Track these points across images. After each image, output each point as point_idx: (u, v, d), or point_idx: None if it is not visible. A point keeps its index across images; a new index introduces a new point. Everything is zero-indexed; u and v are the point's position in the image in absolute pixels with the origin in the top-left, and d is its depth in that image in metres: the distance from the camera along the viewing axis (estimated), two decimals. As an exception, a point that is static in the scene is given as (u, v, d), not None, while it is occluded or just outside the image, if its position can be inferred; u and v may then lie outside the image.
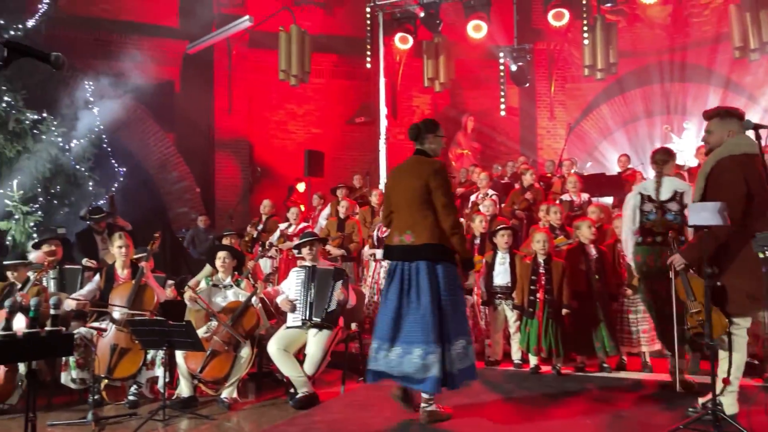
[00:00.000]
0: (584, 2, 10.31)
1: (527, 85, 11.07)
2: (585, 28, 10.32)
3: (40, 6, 9.43)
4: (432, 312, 3.62)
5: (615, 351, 5.12)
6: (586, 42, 10.29)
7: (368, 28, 10.88)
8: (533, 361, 5.21)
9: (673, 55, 11.67)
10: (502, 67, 11.02)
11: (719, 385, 3.44)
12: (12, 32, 8.76)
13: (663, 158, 4.44)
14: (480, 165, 10.26)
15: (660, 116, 12.11)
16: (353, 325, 5.61)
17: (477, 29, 10.30)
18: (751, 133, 3.41)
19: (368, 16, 10.92)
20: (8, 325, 2.77)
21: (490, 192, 7.58)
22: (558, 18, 10.40)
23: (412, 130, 3.94)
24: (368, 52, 10.89)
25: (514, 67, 10.49)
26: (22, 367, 4.74)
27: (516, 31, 10.79)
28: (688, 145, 10.63)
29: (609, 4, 10.29)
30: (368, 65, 11.02)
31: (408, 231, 3.74)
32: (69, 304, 5.11)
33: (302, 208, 8.11)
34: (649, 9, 11.62)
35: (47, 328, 2.89)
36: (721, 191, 3.46)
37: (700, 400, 3.76)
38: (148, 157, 11.50)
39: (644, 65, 12.09)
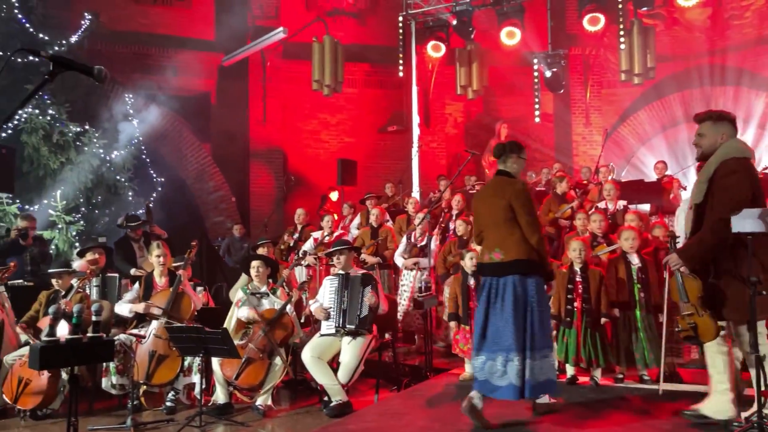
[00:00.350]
0: (620, 6, 10.14)
1: (562, 91, 10.93)
2: (621, 33, 10.15)
3: (82, 22, 9.77)
4: (515, 322, 3.76)
5: (656, 362, 4.97)
6: (622, 46, 10.12)
7: (400, 37, 10.92)
8: (570, 371, 5.10)
9: (713, 58, 11.36)
10: (536, 74, 10.90)
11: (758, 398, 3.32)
12: (56, 47, 9.08)
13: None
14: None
15: (701, 121, 11.77)
16: (386, 334, 5.60)
17: (510, 36, 10.23)
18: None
19: (400, 24, 10.96)
20: (52, 332, 2.85)
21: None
22: (593, 23, 10.25)
23: (498, 148, 4.13)
24: (400, 61, 10.92)
25: (548, 73, 10.37)
26: (64, 374, 4.86)
27: (550, 36, 10.67)
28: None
29: (646, 8, 10.10)
30: (400, 74, 11.04)
31: (497, 249, 3.93)
32: (129, 309, 5.22)
33: (335, 216, 8.14)
34: (688, 12, 11.36)
35: (89, 334, 2.97)
36: (726, 193, 3.43)
37: (743, 414, 3.62)
38: (185, 167, 11.74)
39: (683, 69, 11.81)
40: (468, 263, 5.34)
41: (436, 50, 10.84)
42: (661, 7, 11.20)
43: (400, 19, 10.98)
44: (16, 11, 9.03)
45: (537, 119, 11.41)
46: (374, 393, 5.21)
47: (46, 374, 4.76)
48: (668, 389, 4.65)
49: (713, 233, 3.44)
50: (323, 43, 10.70)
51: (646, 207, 7.69)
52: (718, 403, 3.62)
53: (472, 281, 5.29)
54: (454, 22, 10.45)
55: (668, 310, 4.43)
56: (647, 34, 10.14)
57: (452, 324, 5.35)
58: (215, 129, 12.00)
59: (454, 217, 7.15)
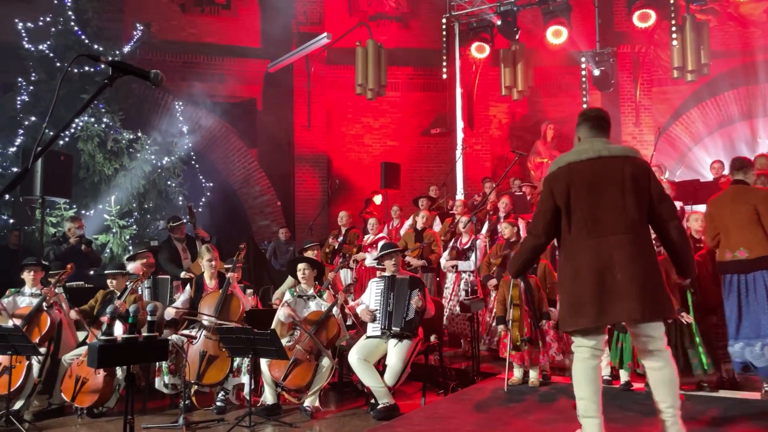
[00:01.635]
0: (672, 2, 9.82)
1: (611, 89, 10.64)
2: (673, 29, 9.82)
3: (134, 33, 10.11)
4: (765, 311, 4.40)
5: (714, 368, 4.76)
6: (675, 43, 9.79)
7: (444, 39, 10.86)
8: (624, 377, 4.95)
9: (769, 54, 10.90)
10: (583, 72, 10.66)
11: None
12: (110, 57, 9.41)
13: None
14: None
15: (758, 119, 11.31)
16: (432, 337, 5.56)
17: (557, 35, 10.03)
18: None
19: (444, 26, 10.90)
20: (109, 331, 2.95)
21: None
22: (644, 19, 9.96)
23: (739, 161, 4.86)
24: (444, 63, 10.86)
25: (596, 72, 10.12)
26: (119, 373, 5.01)
27: (598, 34, 10.41)
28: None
29: (699, 3, 9.75)
30: (444, 76, 10.98)
31: (741, 248, 4.52)
32: (168, 313, 5.37)
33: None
34: (742, 6, 10.92)
35: (144, 334, 3.04)
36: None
37: None
38: (233, 172, 11.97)
39: (738, 66, 11.36)
40: (516, 265, 5.24)
41: (480, 51, 10.73)
42: (715, 1, 10.80)
43: (444, 20, 10.92)
44: (72, 23, 9.43)
45: (585, 119, 11.13)
46: (421, 396, 5.17)
47: (102, 373, 4.91)
48: (726, 396, 4.45)
49: (524, 241, 3.62)
50: (366, 47, 10.74)
51: (701, 208, 7.41)
52: None
53: (522, 285, 5.19)
54: (499, 23, 10.33)
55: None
56: (701, 29, 9.79)
57: (500, 327, 5.26)
58: (261, 134, 12.21)
59: (501, 220, 7.05)
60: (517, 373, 5.25)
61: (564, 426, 3.91)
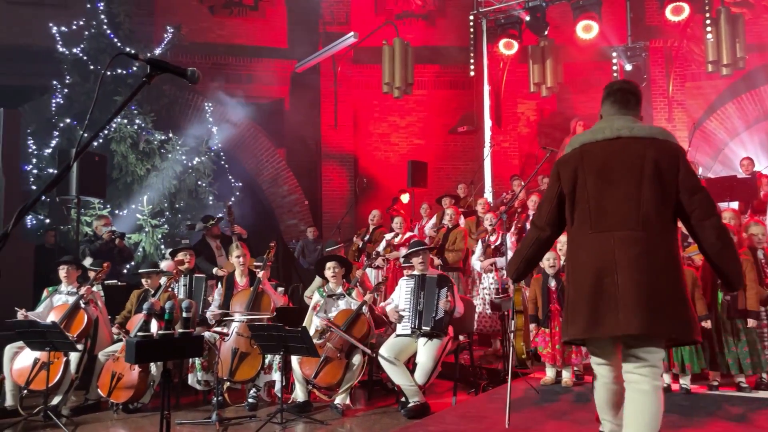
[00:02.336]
0: (706, -6, 9.60)
1: (643, 84, 10.43)
2: (707, 22, 9.59)
3: (165, 35, 10.27)
4: None
5: (753, 369, 4.64)
6: (709, 36, 9.55)
7: (471, 36, 10.78)
8: (665, 378, 4.84)
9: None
10: (615, 68, 10.47)
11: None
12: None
13: None
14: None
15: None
16: (461, 336, 5.52)
17: (587, 30, 9.87)
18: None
19: (471, 23, 10.82)
20: (146, 327, 2.99)
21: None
22: (677, 12, 9.74)
23: None
24: (471, 60, 10.78)
25: (628, 67, 9.93)
26: (153, 369, 5.08)
27: (629, 29, 10.22)
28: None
29: (734, -5, 9.51)
30: (472, 73, 10.90)
31: None
32: (208, 318, 5.43)
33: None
34: (779, -3, 10.61)
35: (179, 330, 3.08)
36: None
37: None
38: (261, 172, 12.07)
39: (775, 59, 11.04)
40: (547, 264, 5.18)
41: (508, 48, 10.62)
42: (750, -7, 10.52)
43: (471, 17, 10.84)
44: (105, 27, 9.62)
45: (616, 115, 10.94)
46: (452, 395, 5.13)
47: (137, 369, 4.99)
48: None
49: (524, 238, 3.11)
50: (393, 45, 10.73)
51: (734, 205, 7.23)
52: None
53: (553, 283, 5.12)
54: (527, 18, 10.21)
55: None
56: (736, 22, 9.53)
57: (532, 326, 5.20)
58: (288, 134, 12.29)
59: (531, 218, 6.96)
60: (550, 373, 5.19)
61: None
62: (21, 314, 5.05)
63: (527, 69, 10.80)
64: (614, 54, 10.38)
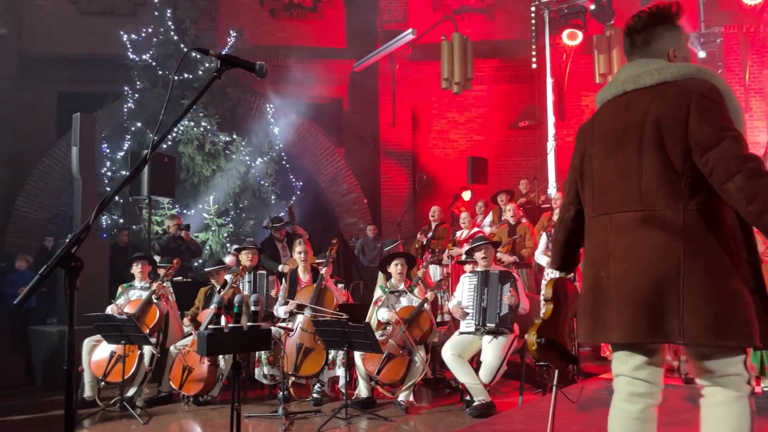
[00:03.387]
0: (786, -26, 9.01)
1: (718, 72, 9.89)
2: (788, 3, 9.01)
3: (228, 39, 10.55)
4: None
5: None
6: (790, 18, 8.97)
7: (533, 28, 10.53)
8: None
9: None
10: (686, 56, 9.98)
11: None
12: (207, 64, 9.87)
13: None
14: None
15: None
16: (527, 335, 5.37)
17: (655, 17, 9.44)
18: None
19: (533, 15, 10.57)
20: (217, 320, 3.07)
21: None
22: (754, -5, 9.20)
23: None
24: (533, 53, 10.53)
25: (702, 54, 9.44)
26: (222, 363, 5.21)
27: (702, 14, 9.71)
28: None
29: (818, -27, 8.88)
30: (534, 65, 10.65)
31: None
32: (284, 311, 5.52)
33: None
34: None
35: (248, 323, 3.12)
36: None
37: None
38: (321, 171, 12.22)
39: None
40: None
41: (572, 38, 10.31)
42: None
43: (533, 9, 10.59)
44: (172, 33, 9.97)
45: (689, 105, 10.41)
46: (518, 395, 5.01)
47: (206, 363, 5.13)
48: None
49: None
50: (452, 41, 10.61)
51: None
52: None
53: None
54: (592, 7, 9.87)
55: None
56: (821, 1, 8.90)
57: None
58: (347, 133, 12.39)
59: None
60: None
61: (676, 429, 3.64)
62: (113, 309, 5.30)
63: (592, 60, 10.45)
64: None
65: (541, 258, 6.62)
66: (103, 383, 5.23)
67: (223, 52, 7.92)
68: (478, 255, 5.20)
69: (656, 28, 2.11)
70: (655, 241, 1.95)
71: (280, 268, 6.68)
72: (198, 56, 9.95)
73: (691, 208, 1.93)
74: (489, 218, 8.37)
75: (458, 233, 7.43)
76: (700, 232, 1.92)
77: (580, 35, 10.24)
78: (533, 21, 10.58)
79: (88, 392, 5.22)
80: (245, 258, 5.92)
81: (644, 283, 1.94)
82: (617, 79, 2.14)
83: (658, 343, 2.01)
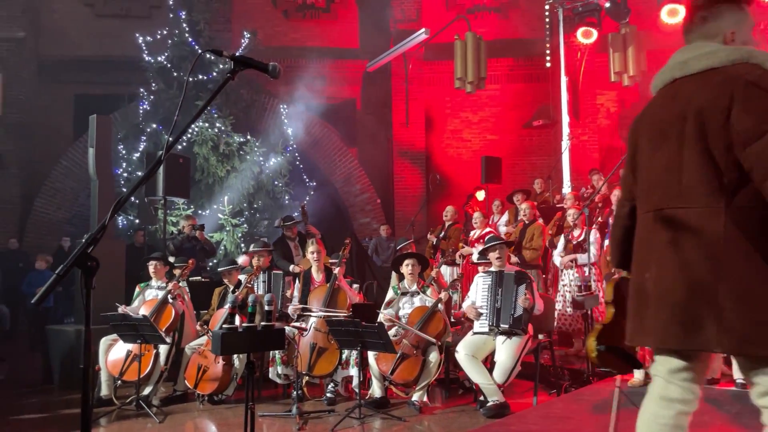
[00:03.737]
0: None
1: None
2: (808, -2, 8.86)
3: (242, 41, 10.60)
4: None
5: None
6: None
7: (547, 27, 10.46)
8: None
9: None
10: (703, 53, 9.84)
11: None
12: (221, 65, 9.94)
13: None
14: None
15: None
16: (541, 335, 5.34)
17: (672, 14, 9.34)
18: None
19: (547, 13, 10.50)
20: (231, 319, 3.09)
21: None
22: (771, -10, 9.06)
23: None
24: (547, 51, 10.46)
25: (717, 51, 9.29)
26: (236, 363, 5.24)
27: (719, 10, 9.58)
28: None
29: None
30: (548, 64, 10.58)
31: None
32: (290, 311, 5.55)
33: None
34: None
35: (262, 323, 3.13)
36: None
37: None
38: (334, 171, 12.24)
39: None
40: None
41: (587, 36, 10.23)
42: None
43: (547, 7, 10.53)
44: (186, 35, 10.05)
45: (705, 103, 10.27)
46: (532, 395, 4.98)
47: (221, 363, 5.16)
48: None
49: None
50: (465, 40, 10.58)
51: None
52: None
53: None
54: (607, 5, 9.78)
55: None
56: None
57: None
58: (361, 134, 12.39)
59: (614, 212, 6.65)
60: (638, 374, 4.92)
61: (694, 431, 3.60)
62: (121, 309, 5.35)
63: (607, 58, 10.36)
64: (703, 38, 9.76)
65: (557, 259, 6.58)
66: (119, 382, 5.28)
67: (237, 54, 8.00)
68: (493, 255, 5.17)
69: (718, 6, 1.98)
70: (693, 243, 1.82)
71: (291, 268, 6.70)
72: (212, 58, 10.02)
73: (734, 206, 1.79)
74: (505, 218, 8.33)
75: (471, 233, 7.40)
76: (741, 234, 1.78)
77: (594, 33, 10.17)
78: (547, 19, 10.52)
79: (104, 391, 5.28)
80: (255, 261, 5.96)
81: (679, 287, 1.82)
82: (668, 65, 2.02)
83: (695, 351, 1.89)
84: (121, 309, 5.35)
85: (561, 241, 6.56)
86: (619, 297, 2.15)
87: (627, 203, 2.17)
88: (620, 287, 2.17)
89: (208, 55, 10.13)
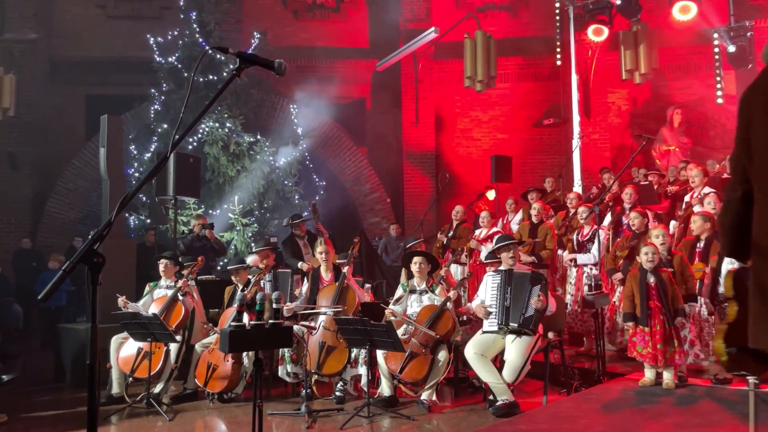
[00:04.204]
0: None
1: (750, 66, 9.61)
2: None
3: (252, 41, 10.64)
4: None
5: None
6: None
7: (557, 25, 10.40)
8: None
9: None
10: (716, 50, 9.74)
11: None
12: (231, 65, 9.97)
13: None
14: (691, 162, 9.15)
15: None
16: (550, 334, 5.30)
17: (684, 11, 9.24)
18: None
19: (557, 11, 10.44)
20: (239, 318, 3.10)
21: (708, 189, 6.63)
22: (785, -14, 8.94)
23: None
24: (558, 50, 10.40)
25: (732, 48, 9.19)
26: (246, 361, 5.25)
27: (732, 8, 9.48)
28: None
29: None
30: (558, 62, 10.52)
31: None
32: (288, 310, 5.55)
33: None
34: None
35: (270, 321, 3.14)
36: None
37: None
38: (344, 170, 12.25)
39: None
40: (645, 258, 4.88)
41: (597, 34, 10.15)
42: None
43: (557, 5, 10.47)
44: (197, 35, 10.10)
45: (720, 100, 10.16)
46: (542, 395, 4.95)
47: (230, 361, 5.17)
48: None
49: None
50: (475, 38, 10.55)
51: None
52: None
53: (652, 278, 4.81)
54: (618, 2, 9.70)
55: None
56: None
57: (629, 325, 4.91)
58: (370, 133, 12.40)
59: (627, 211, 6.58)
60: (649, 374, 4.87)
61: (704, 431, 3.56)
62: (121, 301, 5.37)
63: (618, 56, 10.29)
64: (715, 35, 9.68)
65: (567, 256, 6.54)
66: (130, 379, 5.32)
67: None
68: (506, 255, 5.13)
69: None
70: None
71: (299, 265, 6.71)
72: (223, 58, 10.05)
73: None
74: (519, 216, 8.27)
75: (476, 232, 7.37)
76: None
77: (605, 31, 10.09)
78: (558, 17, 10.46)
79: (115, 389, 5.32)
80: (261, 261, 5.98)
81: None
82: None
83: None
84: (122, 301, 5.36)
85: (574, 240, 6.54)
86: (741, 290, 1.91)
87: (740, 186, 1.91)
88: (741, 279, 1.94)
89: (218, 56, 10.19)
